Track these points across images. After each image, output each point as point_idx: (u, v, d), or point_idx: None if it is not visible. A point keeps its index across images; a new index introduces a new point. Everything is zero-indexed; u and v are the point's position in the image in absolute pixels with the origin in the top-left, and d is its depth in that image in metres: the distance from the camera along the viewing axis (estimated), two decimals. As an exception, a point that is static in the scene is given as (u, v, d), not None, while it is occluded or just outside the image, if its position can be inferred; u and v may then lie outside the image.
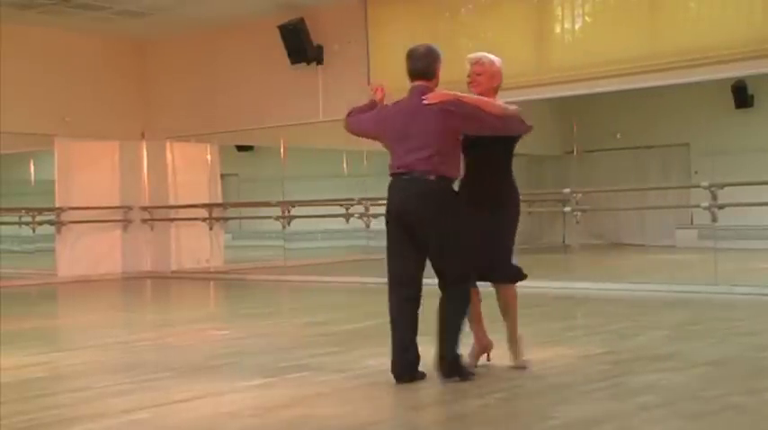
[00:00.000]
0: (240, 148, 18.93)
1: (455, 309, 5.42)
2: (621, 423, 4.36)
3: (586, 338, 7.17)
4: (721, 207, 10.49)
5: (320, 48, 12.84)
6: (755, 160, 15.19)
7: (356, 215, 13.27)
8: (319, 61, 12.88)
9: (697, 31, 10.02)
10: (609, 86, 10.92)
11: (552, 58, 11.19)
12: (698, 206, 11.22)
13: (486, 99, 5.59)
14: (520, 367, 5.68)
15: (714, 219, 10.52)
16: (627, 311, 9.04)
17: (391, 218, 5.40)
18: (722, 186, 10.59)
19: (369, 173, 14.68)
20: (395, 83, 13.26)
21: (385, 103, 5.68)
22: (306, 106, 12.97)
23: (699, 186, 11.08)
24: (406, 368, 5.33)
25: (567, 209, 12.41)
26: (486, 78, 5.76)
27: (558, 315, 9.04)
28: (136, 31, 14.25)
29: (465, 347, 5.63)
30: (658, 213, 16.54)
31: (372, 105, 5.69)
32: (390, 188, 5.43)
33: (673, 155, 17.39)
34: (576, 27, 11.10)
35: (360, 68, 12.23)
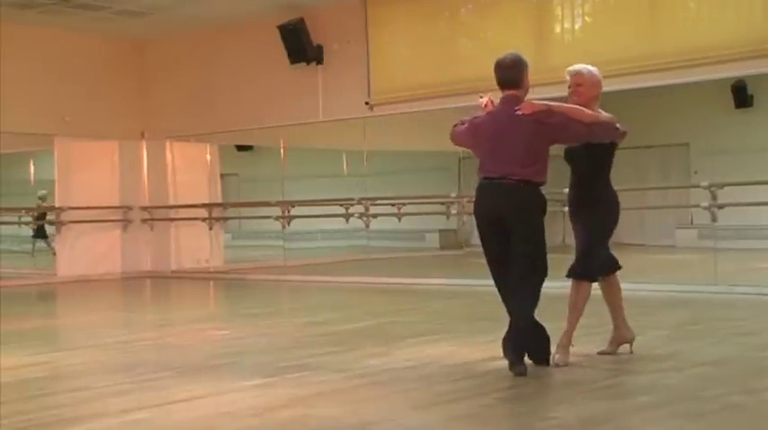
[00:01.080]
0: (240, 148, 18.95)
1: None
2: (621, 423, 4.37)
3: (586, 338, 7.16)
4: (721, 207, 10.49)
5: (320, 48, 12.85)
6: (755, 160, 15.19)
7: (356, 215, 13.27)
8: (319, 61, 12.88)
9: (697, 31, 10.02)
10: (609, 86, 10.81)
11: (552, 57, 11.18)
12: (698, 206, 11.23)
13: (575, 107, 5.88)
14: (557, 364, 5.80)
15: (714, 219, 10.53)
16: (627, 311, 9.01)
17: (482, 218, 5.75)
18: (722, 186, 10.60)
19: (369, 173, 14.68)
20: (395, 83, 13.30)
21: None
22: (305, 106, 12.97)
23: (698, 186, 11.09)
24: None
25: (567, 208, 12.39)
26: (586, 89, 6.13)
27: (558, 315, 9.02)
28: (136, 31, 14.25)
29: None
30: (658, 213, 16.55)
31: (471, 119, 5.98)
32: (480, 190, 5.73)
33: (672, 154, 17.40)
34: (576, 27, 11.11)
35: (359, 68, 12.24)
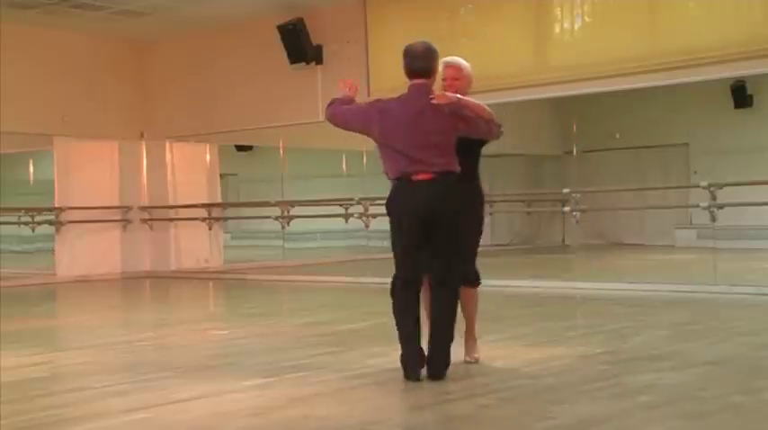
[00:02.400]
0: (239, 148, 18.93)
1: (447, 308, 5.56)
2: (621, 423, 4.37)
3: (586, 338, 7.17)
4: (720, 207, 10.50)
5: (319, 48, 12.84)
6: (755, 160, 15.21)
7: (355, 215, 13.28)
8: (318, 61, 12.88)
9: (697, 31, 10.02)
10: (608, 86, 10.93)
11: (552, 57, 11.20)
12: (697, 206, 11.24)
13: (477, 102, 5.59)
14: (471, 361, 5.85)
15: (713, 219, 10.53)
16: (626, 311, 9.04)
17: (408, 216, 5.39)
18: (721, 186, 10.60)
19: (368, 173, 14.68)
20: (394, 82, 13.24)
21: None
22: (305, 106, 12.97)
23: (698, 186, 11.09)
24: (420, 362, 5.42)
25: (567, 209, 12.42)
26: (462, 84, 5.79)
27: (557, 315, 9.04)
28: (136, 31, 14.25)
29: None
30: (658, 213, 16.55)
31: (349, 100, 5.67)
32: (402, 187, 5.41)
33: (672, 155, 17.40)
34: (576, 27, 11.10)
35: (359, 69, 12.24)
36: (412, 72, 5.50)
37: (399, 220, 5.47)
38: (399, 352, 5.49)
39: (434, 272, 5.48)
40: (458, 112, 5.44)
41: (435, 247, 5.41)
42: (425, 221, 5.36)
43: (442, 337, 5.46)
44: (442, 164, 5.37)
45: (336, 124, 5.68)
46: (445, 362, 5.44)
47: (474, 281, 5.85)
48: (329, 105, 5.67)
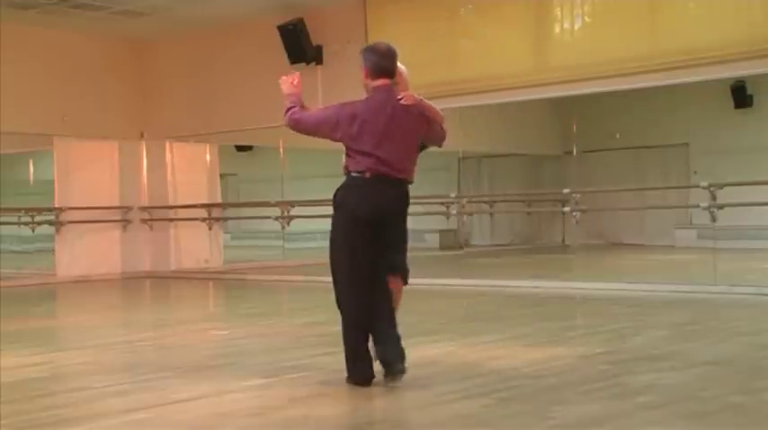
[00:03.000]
0: (239, 148, 18.94)
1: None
2: (621, 423, 4.37)
3: (586, 338, 7.17)
4: (720, 207, 10.50)
5: (319, 48, 12.84)
6: (755, 160, 15.21)
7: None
8: (318, 62, 12.88)
9: (697, 31, 10.02)
10: (608, 86, 10.93)
11: (552, 58, 11.20)
12: (697, 206, 11.25)
13: (433, 105, 5.54)
14: None
15: (713, 219, 10.54)
16: (627, 311, 9.04)
17: (364, 217, 5.22)
18: (721, 186, 10.61)
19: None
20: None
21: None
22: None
23: (698, 186, 11.10)
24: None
25: (567, 209, 12.43)
26: (404, 87, 5.61)
27: (557, 315, 9.04)
28: (135, 31, 14.25)
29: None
30: (658, 213, 16.55)
31: (300, 101, 5.46)
32: (366, 187, 5.24)
33: (672, 155, 17.41)
34: (576, 27, 11.11)
35: (359, 69, 12.21)
36: (379, 71, 5.34)
37: (356, 216, 5.24)
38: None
39: (391, 264, 5.34)
40: (423, 114, 5.41)
41: (391, 242, 5.31)
42: (381, 220, 5.25)
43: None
44: (408, 171, 5.38)
45: (301, 130, 5.42)
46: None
47: (406, 278, 5.66)
48: (288, 111, 5.40)
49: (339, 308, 5.37)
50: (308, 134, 5.44)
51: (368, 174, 5.23)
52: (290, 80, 5.54)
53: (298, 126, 5.41)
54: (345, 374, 5.27)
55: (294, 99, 5.45)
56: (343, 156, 5.37)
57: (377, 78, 5.36)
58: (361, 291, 5.25)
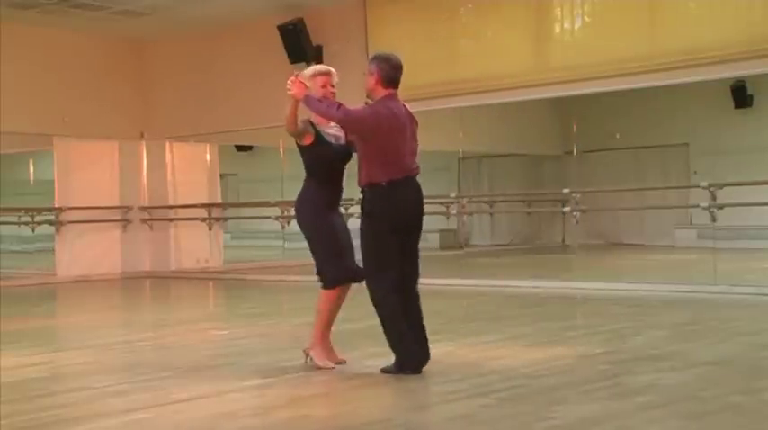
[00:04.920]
0: (239, 148, 18.94)
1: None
2: (621, 423, 4.37)
3: (586, 338, 7.17)
4: (720, 207, 10.50)
5: (319, 48, 12.84)
6: (755, 160, 15.20)
7: (356, 215, 13.26)
8: (318, 61, 12.86)
9: (697, 31, 10.03)
10: (608, 86, 10.93)
11: (552, 58, 11.20)
12: (697, 206, 11.25)
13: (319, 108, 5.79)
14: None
15: (713, 219, 10.54)
16: (627, 311, 9.05)
17: (405, 220, 5.65)
18: (721, 186, 10.61)
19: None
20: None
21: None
22: (305, 106, 12.95)
23: (698, 186, 11.10)
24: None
25: (567, 209, 12.42)
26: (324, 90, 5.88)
27: (557, 315, 9.04)
28: (135, 31, 14.25)
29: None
30: (658, 213, 16.55)
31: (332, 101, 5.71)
32: (407, 189, 5.64)
33: (672, 155, 17.41)
34: (576, 27, 11.11)
35: (359, 69, 12.18)
36: (393, 81, 5.67)
37: (399, 221, 5.60)
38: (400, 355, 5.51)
39: (410, 271, 5.75)
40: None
41: (412, 247, 5.72)
42: (418, 218, 5.71)
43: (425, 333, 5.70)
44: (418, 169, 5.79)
45: (354, 129, 5.69)
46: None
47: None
48: (337, 107, 5.57)
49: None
50: (353, 129, 5.69)
51: (406, 176, 5.65)
52: (299, 83, 5.71)
53: (348, 120, 5.61)
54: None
55: (323, 98, 5.71)
56: (363, 167, 5.64)
57: (388, 87, 5.66)
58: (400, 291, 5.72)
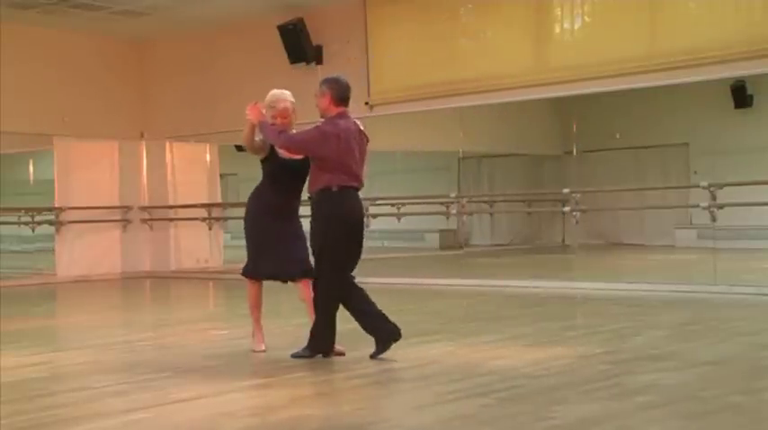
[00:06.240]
0: (239, 148, 18.87)
1: None
2: (621, 423, 4.37)
3: (586, 338, 7.17)
4: (720, 207, 10.50)
5: (319, 48, 12.84)
6: (754, 160, 15.20)
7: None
8: (319, 61, 12.87)
9: (697, 31, 10.03)
10: (608, 86, 10.93)
11: (552, 58, 11.20)
12: (697, 206, 11.24)
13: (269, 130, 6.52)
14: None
15: (713, 219, 10.54)
16: (627, 311, 9.05)
17: (352, 225, 6.16)
18: (721, 186, 10.61)
19: (368, 173, 14.67)
20: (393, 82, 13.29)
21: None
22: (305, 106, 12.89)
23: (698, 186, 11.09)
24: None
25: (567, 209, 12.42)
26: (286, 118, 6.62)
27: (557, 315, 9.04)
28: (135, 31, 14.25)
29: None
30: (658, 213, 16.55)
31: (282, 127, 6.41)
32: (351, 199, 6.16)
33: (672, 155, 17.40)
34: (576, 27, 11.11)
35: (359, 69, 12.23)
36: (343, 100, 6.28)
37: (349, 224, 6.12)
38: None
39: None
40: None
41: (357, 249, 6.23)
42: (362, 225, 6.26)
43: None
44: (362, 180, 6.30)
45: (297, 150, 6.32)
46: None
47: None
48: (280, 134, 6.31)
49: None
50: (297, 151, 6.34)
51: (350, 188, 6.14)
52: (256, 110, 6.53)
53: (290, 144, 6.32)
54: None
55: (275, 125, 6.43)
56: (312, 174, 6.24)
57: (339, 105, 6.26)
58: (346, 282, 6.31)
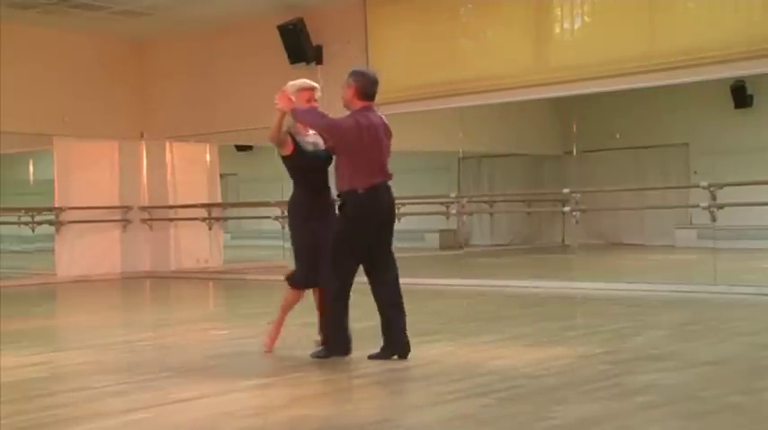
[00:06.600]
0: (239, 148, 18.93)
1: None
2: (621, 423, 4.37)
3: (586, 338, 7.17)
4: (720, 207, 10.50)
5: (319, 48, 12.84)
6: (754, 160, 15.20)
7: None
8: (318, 61, 12.88)
9: (697, 31, 10.03)
10: (608, 86, 10.93)
11: (552, 58, 11.20)
12: (697, 206, 11.24)
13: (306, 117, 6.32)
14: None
15: (713, 219, 10.53)
16: (627, 311, 9.05)
17: (379, 221, 6.09)
18: (721, 186, 10.61)
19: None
20: (393, 82, 13.26)
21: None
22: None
23: (698, 186, 11.09)
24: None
25: (567, 209, 12.42)
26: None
27: (557, 315, 9.04)
28: (135, 31, 14.25)
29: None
30: (658, 213, 16.55)
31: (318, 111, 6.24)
32: (379, 198, 6.06)
33: (672, 155, 17.41)
34: (576, 27, 11.11)
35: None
36: (368, 95, 6.17)
37: (373, 222, 6.04)
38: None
39: (385, 263, 6.17)
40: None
41: (387, 244, 6.15)
42: (390, 216, 6.17)
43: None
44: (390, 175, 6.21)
45: (336, 137, 6.10)
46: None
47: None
48: (322, 117, 6.13)
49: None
50: (336, 137, 6.10)
51: (380, 182, 6.05)
52: (286, 98, 6.27)
53: (333, 131, 6.11)
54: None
55: (310, 109, 6.21)
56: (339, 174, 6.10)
57: (364, 100, 6.14)
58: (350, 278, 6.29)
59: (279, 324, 6.69)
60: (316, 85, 6.41)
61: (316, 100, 6.31)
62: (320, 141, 6.35)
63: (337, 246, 6.09)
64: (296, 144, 6.32)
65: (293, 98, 6.22)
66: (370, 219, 6.05)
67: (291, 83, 6.43)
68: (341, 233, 6.09)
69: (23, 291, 12.93)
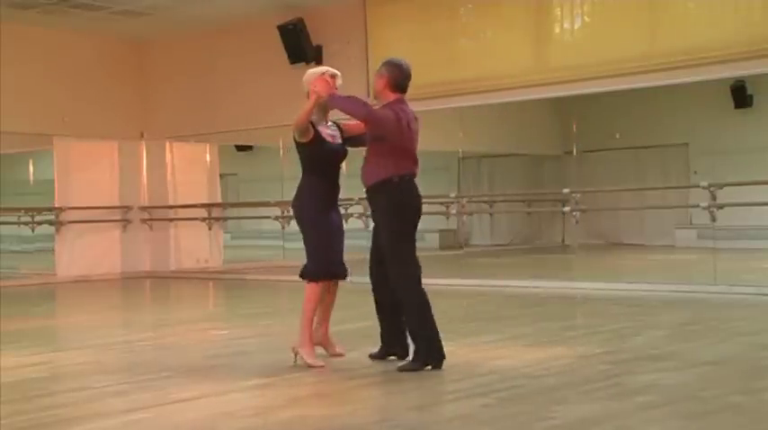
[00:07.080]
0: (239, 148, 18.94)
1: None
2: (621, 423, 4.37)
3: (586, 338, 7.17)
4: (720, 207, 10.50)
5: (319, 48, 12.84)
6: (754, 160, 15.20)
7: (355, 215, 13.27)
8: (319, 61, 12.86)
9: (697, 31, 10.02)
10: (608, 86, 10.93)
11: (552, 57, 11.20)
12: (697, 206, 11.24)
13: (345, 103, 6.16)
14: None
15: (713, 219, 10.53)
16: (626, 311, 9.05)
17: (415, 212, 6.03)
18: (721, 186, 10.60)
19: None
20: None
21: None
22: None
23: (698, 186, 11.09)
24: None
25: (567, 209, 12.42)
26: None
27: (557, 315, 9.04)
28: (135, 31, 14.25)
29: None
30: (658, 213, 16.55)
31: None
32: (414, 187, 5.98)
33: (672, 155, 17.40)
34: (576, 27, 11.11)
35: (359, 69, 12.23)
36: (400, 87, 5.99)
37: (414, 214, 5.99)
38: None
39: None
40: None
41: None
42: (420, 213, 6.08)
43: None
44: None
45: (374, 125, 5.93)
46: None
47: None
48: (364, 105, 5.96)
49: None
50: (375, 126, 5.93)
51: (411, 174, 5.98)
52: (325, 82, 6.10)
53: (374, 117, 5.92)
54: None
55: (350, 96, 6.10)
56: (374, 160, 5.93)
57: (395, 92, 5.96)
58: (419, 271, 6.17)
59: (308, 328, 6.03)
60: (337, 72, 6.23)
61: (336, 88, 6.16)
62: (337, 135, 6.25)
63: (395, 240, 5.92)
64: (316, 132, 6.13)
65: (330, 83, 6.08)
66: (408, 205, 5.94)
67: (312, 70, 6.30)
68: (390, 225, 5.91)
69: (23, 291, 12.93)
